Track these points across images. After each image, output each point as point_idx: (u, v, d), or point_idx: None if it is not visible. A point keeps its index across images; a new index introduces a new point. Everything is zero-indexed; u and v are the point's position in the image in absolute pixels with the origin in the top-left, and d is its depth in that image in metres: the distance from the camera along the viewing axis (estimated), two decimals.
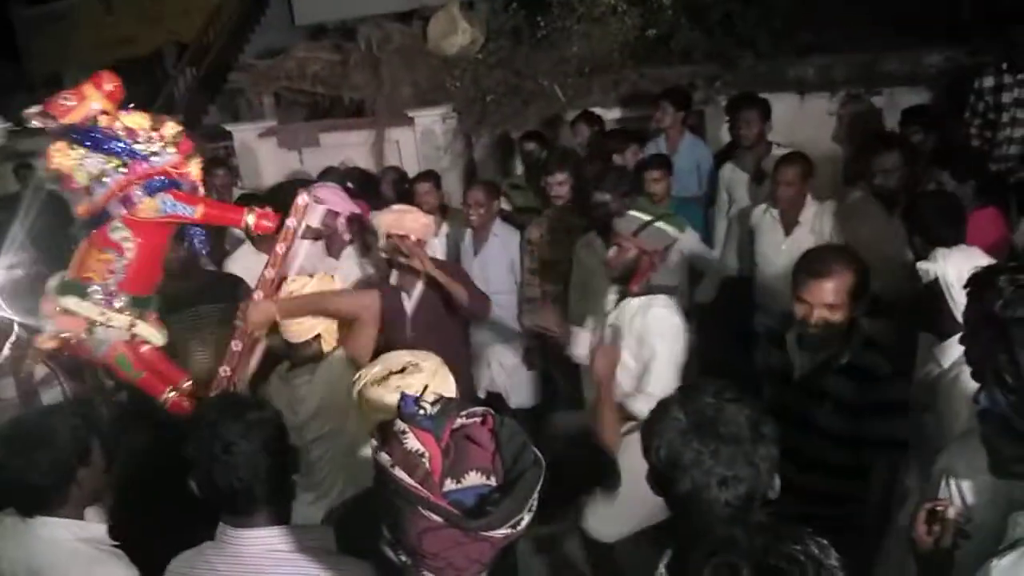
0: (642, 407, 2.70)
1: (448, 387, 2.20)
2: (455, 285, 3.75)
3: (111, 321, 2.71)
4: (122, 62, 17.00)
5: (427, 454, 1.34)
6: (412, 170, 6.68)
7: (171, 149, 2.68)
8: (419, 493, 1.31)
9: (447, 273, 3.79)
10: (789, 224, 4.19)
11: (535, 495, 1.38)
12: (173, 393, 2.90)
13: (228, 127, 8.51)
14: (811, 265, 2.59)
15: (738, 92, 5.73)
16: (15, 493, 2.03)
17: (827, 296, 2.51)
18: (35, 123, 2.64)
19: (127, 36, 16.49)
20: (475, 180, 6.25)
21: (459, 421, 1.40)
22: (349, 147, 7.66)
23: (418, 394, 1.43)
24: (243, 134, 8.23)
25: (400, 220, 3.72)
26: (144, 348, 2.89)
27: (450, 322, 3.92)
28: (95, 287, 2.68)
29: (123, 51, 16.39)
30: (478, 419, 1.42)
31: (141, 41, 16.28)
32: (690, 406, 1.65)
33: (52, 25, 17.49)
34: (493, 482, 1.36)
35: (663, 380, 2.93)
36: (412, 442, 1.35)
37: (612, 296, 3.29)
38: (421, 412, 1.39)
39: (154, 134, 2.64)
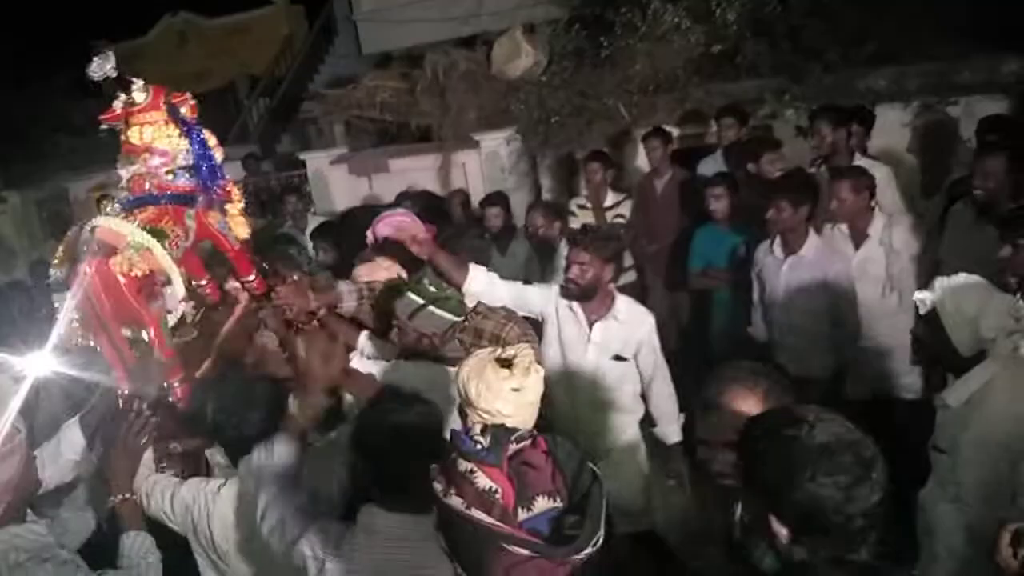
0: None
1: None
2: None
3: None
4: (197, 95, 17.71)
5: (499, 490, 1.34)
6: (478, 192, 6.83)
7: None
8: (502, 530, 1.30)
9: None
10: (858, 238, 4.11)
11: (604, 510, 1.38)
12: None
13: (301, 155, 8.78)
14: None
15: (808, 105, 5.69)
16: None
17: None
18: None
19: (201, 70, 17.14)
20: (536, 202, 6.30)
21: (512, 447, 1.40)
22: (416, 171, 7.82)
23: (467, 429, 1.44)
24: (316, 162, 8.48)
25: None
26: None
27: None
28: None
29: (198, 85, 17.07)
30: (528, 442, 1.42)
31: (215, 74, 16.91)
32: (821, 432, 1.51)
33: (130, 62, 18.29)
34: (560, 503, 1.36)
35: None
36: (483, 480, 1.34)
37: None
38: (479, 446, 1.38)
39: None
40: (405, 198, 6.21)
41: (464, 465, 1.37)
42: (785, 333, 3.95)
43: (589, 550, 1.34)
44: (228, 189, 2.85)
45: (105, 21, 18.09)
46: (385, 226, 3.97)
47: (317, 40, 14.87)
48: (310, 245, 5.29)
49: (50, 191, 9.92)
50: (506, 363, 2.11)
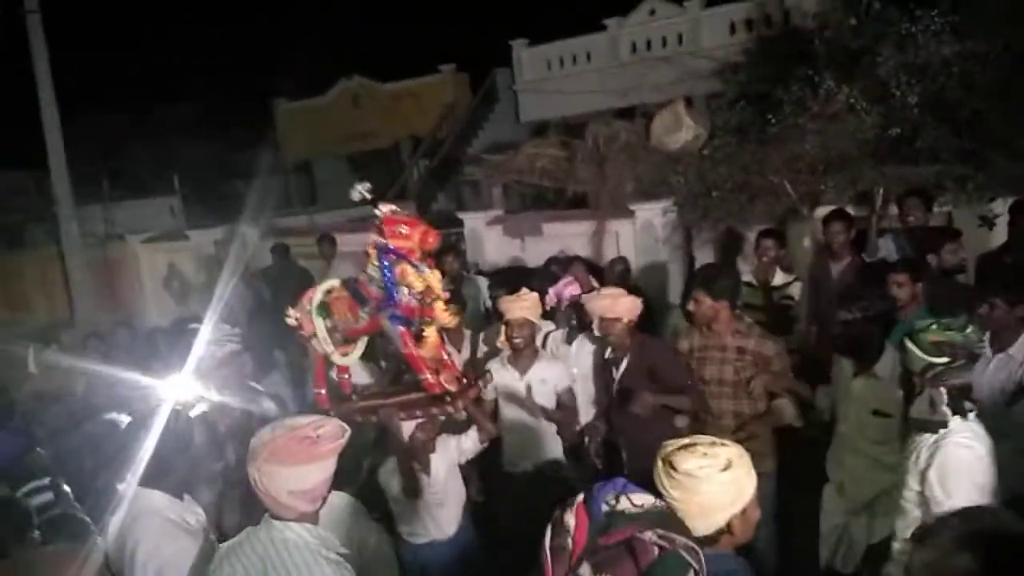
0: None
1: (749, 477, 2.11)
2: (678, 400, 3.94)
3: None
4: (364, 153, 18.96)
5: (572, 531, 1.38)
6: (629, 260, 6.82)
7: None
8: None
9: (655, 366, 4.02)
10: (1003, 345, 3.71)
11: None
12: None
13: (460, 215, 9.11)
14: None
15: (993, 195, 5.38)
16: None
17: None
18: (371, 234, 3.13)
19: (370, 130, 18.31)
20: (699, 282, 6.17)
21: (641, 534, 1.36)
22: (569, 237, 7.93)
23: (632, 494, 1.44)
24: (473, 222, 8.77)
25: (612, 305, 4.08)
26: None
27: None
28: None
29: (365, 143, 18.24)
30: (655, 543, 1.38)
31: (381, 135, 17.99)
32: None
33: (307, 117, 19.79)
34: None
35: None
36: (569, 517, 1.40)
37: None
38: (606, 506, 1.40)
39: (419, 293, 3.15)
40: (555, 262, 6.30)
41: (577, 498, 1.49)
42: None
43: None
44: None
45: (285, 80, 19.67)
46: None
47: (479, 107, 15.54)
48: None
49: (226, 233, 10.71)
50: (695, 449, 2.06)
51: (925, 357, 2.77)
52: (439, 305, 3.22)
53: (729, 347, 4.01)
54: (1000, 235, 5.67)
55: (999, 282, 3.79)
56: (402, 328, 3.14)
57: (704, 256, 7.63)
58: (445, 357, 3.37)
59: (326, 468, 2.20)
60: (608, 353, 4.25)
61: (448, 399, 3.22)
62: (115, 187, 13.95)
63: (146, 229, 11.74)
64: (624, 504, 1.40)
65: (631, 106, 9.87)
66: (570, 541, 1.35)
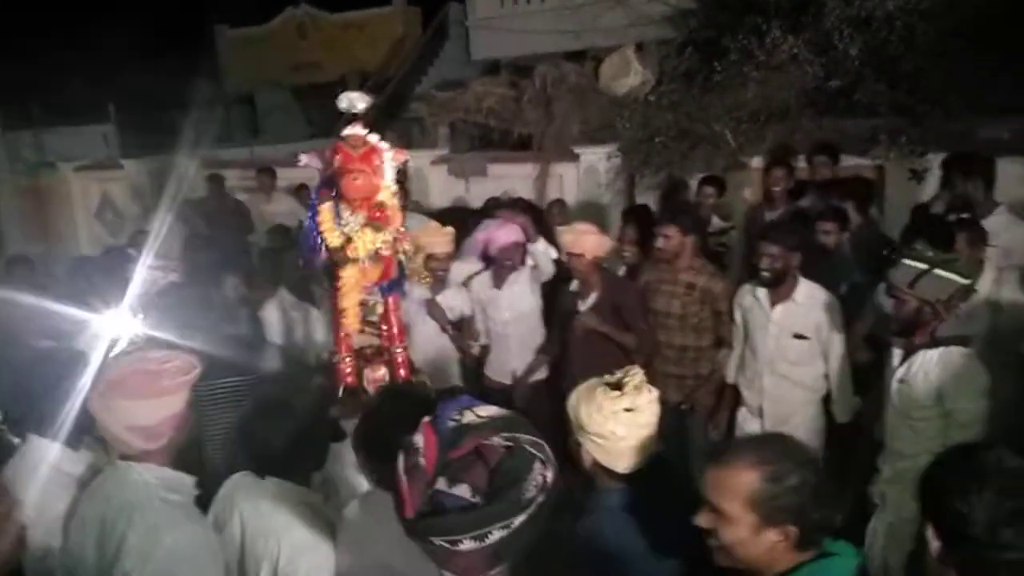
0: None
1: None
2: (622, 336, 4.15)
3: None
4: (309, 86, 18.42)
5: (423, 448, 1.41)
6: (572, 204, 6.85)
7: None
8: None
9: (621, 304, 4.17)
10: None
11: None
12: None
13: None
14: None
15: (925, 149, 5.52)
16: (259, 456, 2.26)
17: None
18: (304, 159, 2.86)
19: (315, 61, 17.76)
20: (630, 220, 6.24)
21: (487, 440, 1.42)
22: (513, 179, 7.90)
23: (476, 408, 1.48)
24: (417, 160, 8.65)
25: (578, 240, 4.18)
26: None
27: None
28: None
29: (310, 76, 17.71)
30: (501, 445, 1.43)
31: (328, 67, 17.46)
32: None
33: (250, 46, 19.09)
34: (478, 501, 1.38)
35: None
36: (418, 437, 1.42)
37: (896, 351, 3.12)
38: (451, 422, 1.44)
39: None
40: (497, 204, 6.26)
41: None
42: None
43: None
44: None
45: (229, 5, 18.90)
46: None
47: (429, 42, 15.19)
48: None
49: (161, 163, 10.39)
50: (616, 386, 2.12)
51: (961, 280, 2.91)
52: (347, 271, 2.78)
53: (680, 282, 4.20)
54: (930, 189, 5.83)
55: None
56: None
57: (647, 202, 7.68)
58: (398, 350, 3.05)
59: (170, 404, 2.08)
60: (574, 286, 4.38)
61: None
62: (47, 113, 13.36)
63: (79, 157, 11.30)
64: (469, 417, 1.45)
65: (583, 49, 9.75)
66: (422, 459, 1.39)
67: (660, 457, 2.16)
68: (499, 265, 4.66)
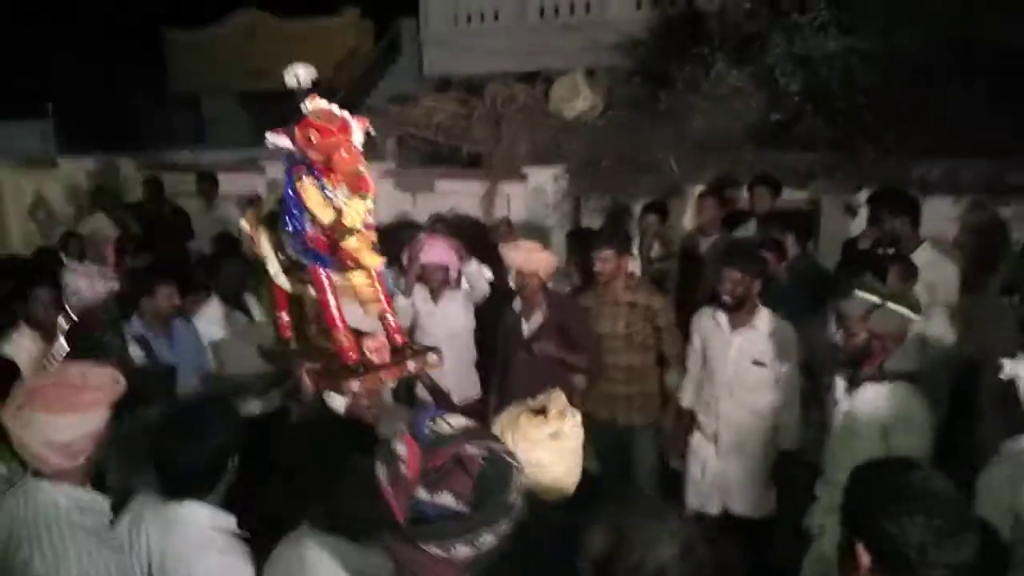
0: None
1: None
2: (572, 357, 4.20)
3: None
4: (256, 92, 18.13)
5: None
6: (518, 223, 6.87)
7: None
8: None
9: (567, 324, 4.23)
10: None
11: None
12: None
13: None
14: None
15: (860, 184, 5.71)
16: (169, 477, 2.14)
17: None
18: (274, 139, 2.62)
19: (263, 68, 17.50)
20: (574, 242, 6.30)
21: (464, 449, 1.46)
22: (460, 195, 7.90)
23: (447, 417, 1.52)
24: None
25: (528, 258, 4.23)
26: None
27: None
28: None
29: (258, 82, 17.45)
30: (478, 454, 1.47)
31: (276, 74, 17.15)
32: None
33: (198, 49, 18.73)
34: (465, 510, 1.41)
35: None
36: (399, 445, 1.46)
37: (840, 381, 3.17)
38: (427, 431, 1.48)
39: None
40: (440, 221, 6.26)
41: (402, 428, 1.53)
42: None
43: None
44: None
45: (178, 8, 18.55)
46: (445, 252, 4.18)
47: (382, 56, 15.13)
48: None
49: (99, 163, 10.09)
50: (540, 411, 2.13)
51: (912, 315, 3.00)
52: (351, 243, 2.49)
53: (621, 302, 4.34)
54: (862, 223, 6.02)
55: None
56: (316, 266, 2.59)
57: (592, 225, 7.76)
58: (389, 317, 2.77)
59: (89, 421, 2.00)
60: (517, 305, 4.42)
61: (362, 371, 2.56)
62: None
63: (13, 152, 10.93)
64: (443, 426, 1.48)
65: (535, 71, 9.84)
66: (404, 467, 1.41)
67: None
68: (427, 282, 4.77)
